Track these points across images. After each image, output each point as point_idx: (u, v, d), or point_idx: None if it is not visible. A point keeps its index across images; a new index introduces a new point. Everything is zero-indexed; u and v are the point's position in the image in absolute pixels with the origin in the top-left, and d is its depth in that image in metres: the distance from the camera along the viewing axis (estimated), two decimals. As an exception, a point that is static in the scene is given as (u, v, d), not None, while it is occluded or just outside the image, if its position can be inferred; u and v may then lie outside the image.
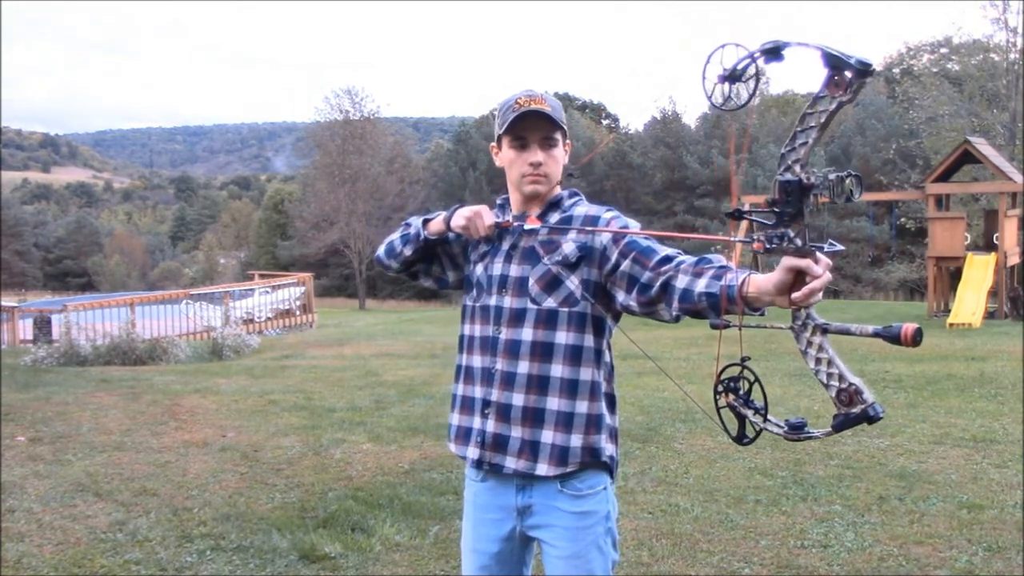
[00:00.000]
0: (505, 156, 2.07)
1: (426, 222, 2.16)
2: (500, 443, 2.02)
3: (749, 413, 1.72)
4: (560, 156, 2.06)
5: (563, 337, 1.98)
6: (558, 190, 2.10)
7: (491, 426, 2.03)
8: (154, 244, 71.56)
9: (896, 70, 43.89)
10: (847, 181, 1.51)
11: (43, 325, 15.21)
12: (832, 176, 1.51)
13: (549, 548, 2.06)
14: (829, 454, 5.41)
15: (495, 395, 2.02)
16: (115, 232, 68.06)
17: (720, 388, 1.76)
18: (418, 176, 46.11)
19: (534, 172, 2.03)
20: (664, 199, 42.84)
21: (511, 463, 2.02)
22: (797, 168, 1.54)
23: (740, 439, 1.76)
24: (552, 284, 1.99)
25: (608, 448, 2.03)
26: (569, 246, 1.99)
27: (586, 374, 1.99)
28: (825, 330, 1.58)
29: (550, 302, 1.99)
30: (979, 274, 14.67)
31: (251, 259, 52.33)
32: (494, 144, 2.12)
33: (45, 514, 4.41)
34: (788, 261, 1.55)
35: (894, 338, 1.49)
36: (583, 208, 2.06)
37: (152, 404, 7.36)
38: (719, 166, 39.89)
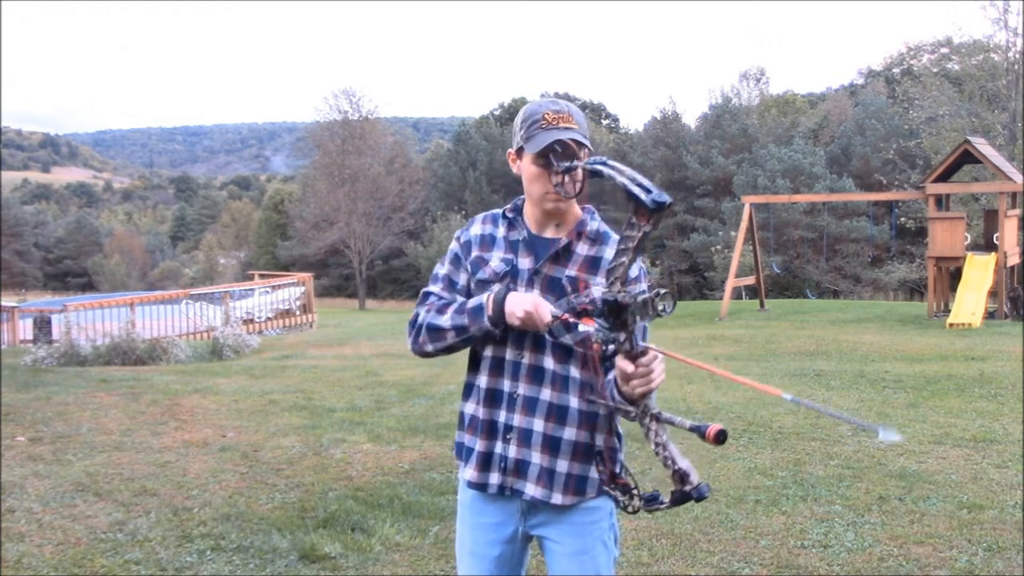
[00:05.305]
0: (527, 170, 2.01)
1: (476, 313, 1.99)
2: (521, 469, 2.02)
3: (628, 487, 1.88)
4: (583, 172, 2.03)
5: (576, 372, 2.00)
6: (576, 208, 2.07)
7: (513, 451, 2.02)
8: (154, 244, 71.50)
9: (896, 70, 43.95)
10: (657, 299, 1.68)
11: (43, 325, 15.21)
12: (640, 298, 1.68)
13: (554, 545, 2.06)
14: (829, 454, 5.42)
15: (517, 420, 2.02)
16: (115, 232, 67.99)
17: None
18: (418, 176, 46.10)
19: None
20: (664, 199, 42.80)
21: (530, 490, 2.02)
22: (617, 286, 1.72)
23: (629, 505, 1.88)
24: (572, 324, 1.98)
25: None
26: (598, 291, 1.96)
27: (603, 408, 1.97)
28: (657, 418, 1.76)
29: (567, 339, 1.99)
30: (979, 274, 14.65)
31: (251, 259, 52.35)
32: (512, 152, 2.06)
33: (45, 514, 4.40)
34: (619, 360, 1.74)
35: (701, 435, 1.65)
36: (611, 251, 2.01)
37: (152, 404, 7.35)
38: (719, 166, 39.90)
